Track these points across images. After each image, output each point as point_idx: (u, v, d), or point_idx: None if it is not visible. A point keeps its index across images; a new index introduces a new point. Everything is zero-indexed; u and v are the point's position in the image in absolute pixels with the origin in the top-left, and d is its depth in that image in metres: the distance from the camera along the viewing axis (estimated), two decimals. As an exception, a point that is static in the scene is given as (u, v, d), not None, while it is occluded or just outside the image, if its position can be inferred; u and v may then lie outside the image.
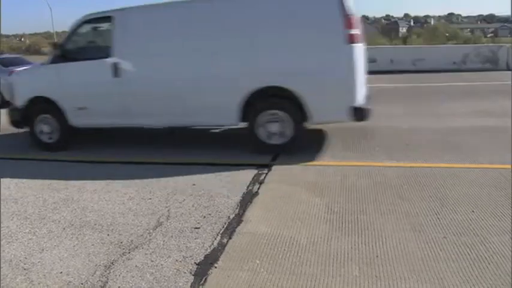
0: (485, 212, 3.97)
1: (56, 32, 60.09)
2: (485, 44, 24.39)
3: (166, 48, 6.38)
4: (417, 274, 3.05)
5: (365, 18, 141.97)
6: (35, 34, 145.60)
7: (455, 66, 16.96)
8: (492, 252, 3.29)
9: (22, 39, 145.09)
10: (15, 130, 7.96)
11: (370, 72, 17.59)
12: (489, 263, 3.14)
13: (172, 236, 3.83)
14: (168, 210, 4.41)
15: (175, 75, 6.35)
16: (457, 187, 4.63)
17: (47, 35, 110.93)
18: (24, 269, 3.41)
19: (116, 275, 3.25)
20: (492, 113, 8.39)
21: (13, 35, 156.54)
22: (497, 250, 3.31)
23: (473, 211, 4.02)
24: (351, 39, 5.70)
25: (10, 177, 5.74)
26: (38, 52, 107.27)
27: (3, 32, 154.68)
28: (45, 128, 7.24)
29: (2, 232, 4.10)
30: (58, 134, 7.21)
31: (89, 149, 7.24)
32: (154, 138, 7.81)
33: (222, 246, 3.60)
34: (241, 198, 4.62)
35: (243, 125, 6.32)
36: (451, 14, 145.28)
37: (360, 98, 5.92)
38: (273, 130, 6.13)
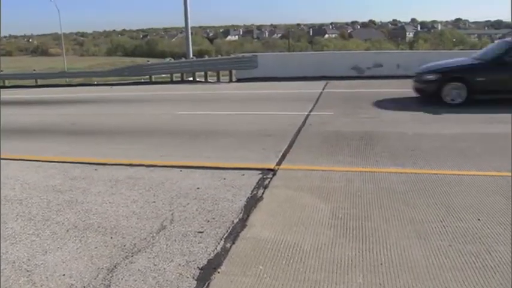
0: (491, 220, 3.94)
1: (64, 33, 60.49)
2: (492, 50, 24.15)
3: None
4: (422, 282, 3.02)
5: (372, 22, 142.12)
6: (43, 35, 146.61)
7: (462, 72, 16.84)
8: (498, 261, 3.25)
9: (30, 40, 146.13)
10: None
11: (377, 77, 17.63)
12: (495, 272, 3.10)
13: (175, 240, 3.82)
14: (172, 214, 4.40)
15: None
16: (462, 194, 4.60)
17: (55, 36, 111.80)
18: (27, 271, 3.41)
19: (118, 279, 3.25)
20: (498, 120, 8.34)
21: (21, 36, 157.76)
22: (503, 259, 3.27)
23: (479, 219, 3.98)
24: None
25: (15, 178, 5.76)
26: (45, 53, 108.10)
27: (12, 33, 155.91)
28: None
29: (6, 233, 4.11)
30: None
31: (94, 151, 7.26)
32: (159, 140, 7.82)
33: (225, 251, 3.58)
34: (245, 203, 4.60)
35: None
36: (458, 20, 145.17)
37: None
38: None
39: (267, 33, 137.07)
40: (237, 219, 4.19)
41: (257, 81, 17.84)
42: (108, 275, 3.31)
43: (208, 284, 3.13)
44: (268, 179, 5.32)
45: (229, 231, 3.95)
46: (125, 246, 3.76)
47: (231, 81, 19.77)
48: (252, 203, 4.60)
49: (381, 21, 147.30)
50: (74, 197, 5.02)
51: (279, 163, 5.97)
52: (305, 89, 14.38)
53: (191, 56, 22.64)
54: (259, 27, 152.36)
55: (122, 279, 3.24)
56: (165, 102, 13.64)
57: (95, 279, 3.26)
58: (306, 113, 9.79)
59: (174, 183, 5.33)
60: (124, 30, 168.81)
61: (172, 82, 21.07)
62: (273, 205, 4.52)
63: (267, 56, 22.12)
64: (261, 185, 5.14)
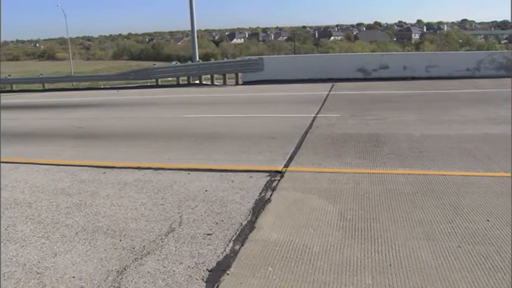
0: (501, 221, 3.92)
1: (70, 37, 60.89)
2: (499, 51, 24.13)
3: None
4: (431, 284, 3.01)
5: (377, 24, 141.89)
6: (50, 40, 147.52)
7: (469, 72, 16.80)
8: (507, 262, 3.24)
9: (37, 45, 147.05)
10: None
11: (383, 79, 17.66)
12: (505, 274, 3.09)
13: (184, 242, 3.83)
14: (181, 216, 4.41)
15: None
16: (471, 195, 4.58)
17: (61, 41, 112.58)
18: (38, 273, 3.43)
19: (128, 281, 3.26)
20: (506, 121, 8.30)
21: (28, 41, 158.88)
22: (513, 260, 3.26)
23: (488, 220, 3.97)
24: None
25: (24, 182, 5.80)
26: (52, 57, 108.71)
27: (19, 38, 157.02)
28: None
29: (16, 236, 4.14)
30: None
31: (101, 154, 7.30)
32: (166, 143, 7.85)
33: (234, 253, 3.59)
34: (253, 205, 4.61)
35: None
36: (464, 20, 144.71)
37: None
38: None
39: (272, 36, 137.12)
40: (246, 221, 4.20)
41: (263, 84, 17.88)
42: (117, 277, 3.32)
43: (218, 285, 3.14)
44: (276, 181, 5.33)
45: (237, 233, 3.96)
46: (134, 248, 3.78)
47: (237, 84, 19.80)
48: (260, 205, 4.60)
49: (386, 23, 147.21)
50: (82, 200, 5.05)
51: (286, 165, 5.98)
52: (311, 91, 14.39)
53: (197, 59, 22.69)
54: (264, 30, 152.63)
55: (131, 281, 3.26)
56: (172, 106, 13.69)
57: (105, 281, 3.27)
58: (313, 115, 9.79)
59: (182, 185, 5.35)
60: (130, 34, 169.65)
61: (178, 85, 21.11)
62: (281, 207, 4.53)
63: (273, 58, 22.13)
64: (269, 187, 5.14)
